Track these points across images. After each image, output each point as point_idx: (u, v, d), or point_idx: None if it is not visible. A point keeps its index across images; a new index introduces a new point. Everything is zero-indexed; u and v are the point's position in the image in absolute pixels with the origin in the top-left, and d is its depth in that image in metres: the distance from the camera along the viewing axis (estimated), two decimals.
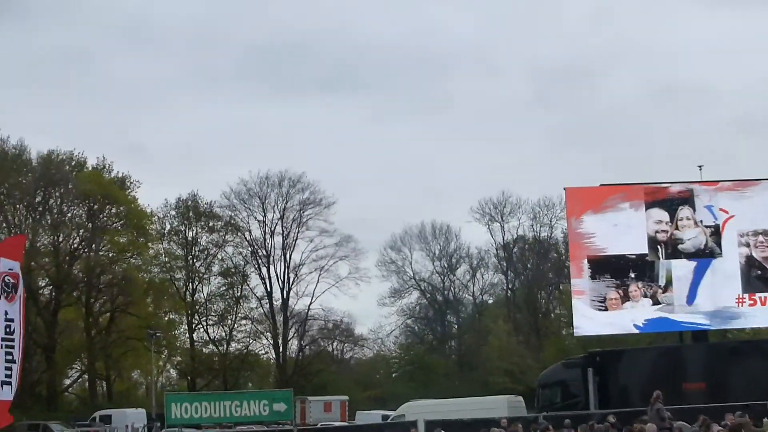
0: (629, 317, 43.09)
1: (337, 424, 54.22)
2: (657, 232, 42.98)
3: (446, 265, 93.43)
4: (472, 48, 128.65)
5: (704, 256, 42.86)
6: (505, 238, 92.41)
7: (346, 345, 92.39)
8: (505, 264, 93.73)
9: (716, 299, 42.71)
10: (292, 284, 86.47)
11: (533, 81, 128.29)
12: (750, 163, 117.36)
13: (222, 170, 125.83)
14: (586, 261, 43.15)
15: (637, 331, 46.05)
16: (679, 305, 42.66)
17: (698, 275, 42.70)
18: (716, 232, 42.91)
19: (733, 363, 41.91)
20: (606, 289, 42.73)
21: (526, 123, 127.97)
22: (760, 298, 42.85)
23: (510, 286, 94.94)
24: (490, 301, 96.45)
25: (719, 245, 42.86)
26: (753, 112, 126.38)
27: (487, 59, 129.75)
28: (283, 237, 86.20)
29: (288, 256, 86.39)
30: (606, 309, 42.73)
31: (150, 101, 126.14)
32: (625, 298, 42.71)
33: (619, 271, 42.83)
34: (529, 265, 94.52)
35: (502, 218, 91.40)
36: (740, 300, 42.76)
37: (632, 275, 42.80)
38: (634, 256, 42.90)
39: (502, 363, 78.44)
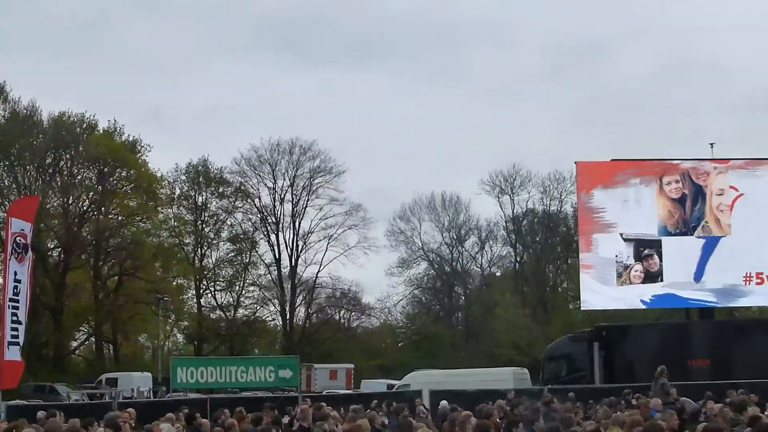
0: (636, 293, 43.10)
1: (342, 392, 54.26)
2: (667, 208, 42.94)
3: (455, 237, 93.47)
4: (489, 21, 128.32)
5: (713, 233, 42.83)
6: (515, 211, 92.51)
7: (353, 314, 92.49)
8: (513, 237, 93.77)
9: (724, 277, 42.70)
10: (301, 252, 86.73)
11: (549, 55, 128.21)
12: (762, 142, 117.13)
13: (236, 137, 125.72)
14: (594, 236, 43.14)
15: (644, 307, 46.00)
16: (687, 282, 42.69)
17: (706, 252, 42.68)
18: (726, 210, 42.86)
19: (739, 341, 41.91)
20: (614, 264, 42.74)
21: (540, 97, 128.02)
22: (767, 276, 42.85)
23: (518, 259, 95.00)
24: (498, 274, 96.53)
25: (729, 223, 42.81)
26: (766, 91, 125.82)
27: (503, 33, 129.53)
28: (292, 204, 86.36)
29: (297, 224, 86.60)
30: (613, 284, 42.74)
31: (167, 68, 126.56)
32: (633, 273, 42.73)
33: (627, 247, 42.82)
34: (537, 239, 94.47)
35: (512, 191, 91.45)
36: (748, 278, 42.76)
37: (641, 251, 42.79)
38: (643, 232, 42.86)
39: (509, 335, 78.55)
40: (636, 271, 42.75)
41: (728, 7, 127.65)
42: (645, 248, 42.85)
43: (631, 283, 42.86)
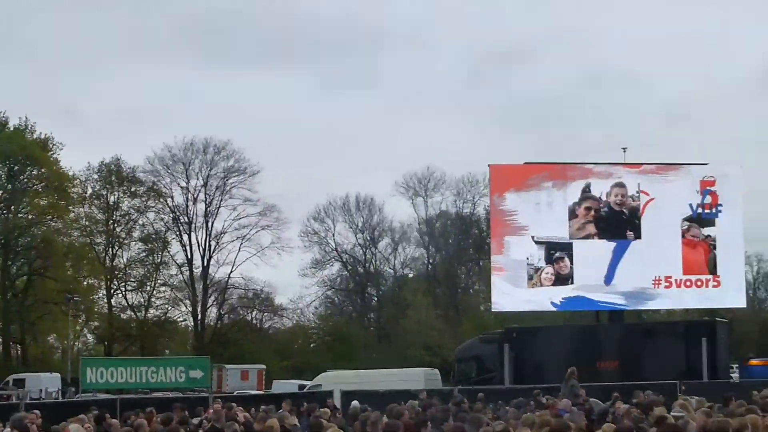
0: (547, 295, 43.47)
1: (253, 392, 54.09)
2: (578, 212, 43.40)
3: (368, 238, 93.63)
4: (407, 26, 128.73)
5: (623, 237, 43.37)
6: (428, 213, 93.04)
7: (265, 314, 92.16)
8: (426, 239, 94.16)
9: (633, 280, 43.27)
10: (213, 252, 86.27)
11: (468, 61, 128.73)
12: (673, 149, 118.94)
13: (150, 136, 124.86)
14: (506, 238, 43.44)
15: (554, 309, 46.46)
16: (597, 285, 43.17)
17: (617, 256, 43.20)
18: (636, 214, 43.44)
19: (647, 343, 42.62)
20: (525, 266, 43.08)
21: (457, 101, 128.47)
22: (675, 280, 43.52)
23: (431, 261, 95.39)
24: (411, 275, 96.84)
25: (639, 227, 43.39)
26: (678, 99, 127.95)
27: (424, 38, 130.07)
28: (205, 204, 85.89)
29: (210, 224, 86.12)
30: (524, 286, 43.08)
31: (80, 65, 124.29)
32: (544, 275, 43.12)
33: (539, 249, 43.18)
34: (450, 241, 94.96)
35: (426, 193, 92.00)
36: (657, 281, 43.38)
37: (552, 253, 43.19)
38: (554, 235, 43.26)
39: (420, 336, 78.80)
40: (547, 273, 43.13)
41: (643, 18, 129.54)
42: (556, 251, 43.25)
43: (541, 285, 43.21)
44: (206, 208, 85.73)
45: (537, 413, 18.88)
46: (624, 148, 49.35)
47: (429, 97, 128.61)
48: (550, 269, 43.08)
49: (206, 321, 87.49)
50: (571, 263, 43.15)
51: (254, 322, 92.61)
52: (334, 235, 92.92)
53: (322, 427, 16.16)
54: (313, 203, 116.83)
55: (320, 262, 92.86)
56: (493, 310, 49.07)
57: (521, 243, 43.12)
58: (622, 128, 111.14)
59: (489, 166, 45.73)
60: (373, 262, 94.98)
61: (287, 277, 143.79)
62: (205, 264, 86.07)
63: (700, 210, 43.57)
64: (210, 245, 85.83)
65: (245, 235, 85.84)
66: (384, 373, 48.41)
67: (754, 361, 53.97)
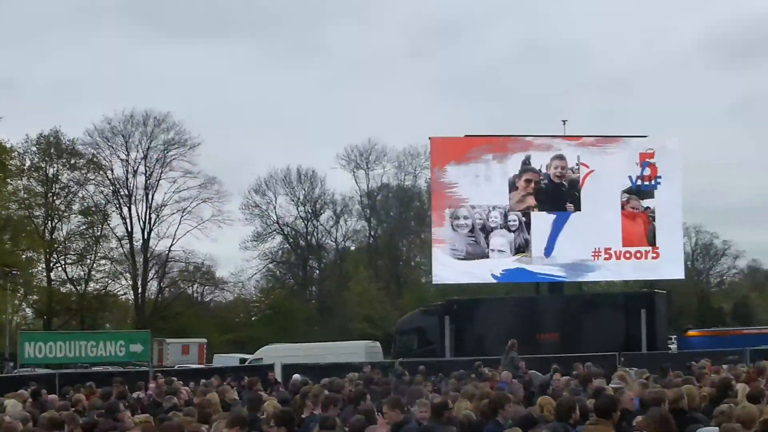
0: (487, 267, 43.63)
1: (194, 366, 53.88)
2: (518, 184, 43.55)
3: (310, 211, 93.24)
4: None
5: (563, 209, 43.60)
6: (370, 186, 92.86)
7: (206, 288, 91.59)
8: (368, 211, 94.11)
9: (573, 252, 43.54)
10: (154, 225, 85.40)
11: (410, 34, 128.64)
12: (613, 122, 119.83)
13: (89, 108, 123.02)
14: (447, 210, 43.50)
15: (494, 281, 46.76)
16: (537, 257, 43.41)
17: (556, 228, 43.44)
18: (576, 187, 43.67)
19: (587, 315, 42.98)
20: (466, 238, 43.19)
21: (398, 74, 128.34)
22: (615, 252, 43.85)
23: (372, 234, 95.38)
24: (352, 248, 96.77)
25: (578, 199, 43.63)
26: (618, 72, 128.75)
27: (363, 10, 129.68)
28: (145, 177, 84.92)
29: (150, 197, 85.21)
30: (465, 258, 43.20)
31: (18, 36, 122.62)
32: (485, 248, 43.26)
33: (479, 222, 43.29)
34: (391, 213, 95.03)
35: (367, 166, 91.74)
36: (596, 253, 43.69)
37: (492, 226, 43.32)
38: (494, 207, 43.38)
39: (362, 309, 78.84)
40: (488, 244, 43.28)
41: None
42: (495, 223, 43.36)
43: (481, 257, 43.37)
44: (146, 181, 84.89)
45: (477, 385, 18.95)
46: (564, 121, 49.53)
47: (370, 69, 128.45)
48: (497, 240, 43.21)
49: (147, 295, 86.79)
50: (512, 235, 43.34)
51: (195, 295, 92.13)
52: (275, 208, 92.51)
53: (261, 400, 16.12)
54: (254, 176, 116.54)
55: (261, 235, 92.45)
56: (434, 282, 49.14)
57: (462, 215, 43.22)
58: (563, 101, 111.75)
59: (430, 138, 45.73)
60: (315, 234, 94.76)
61: (228, 251, 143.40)
62: (146, 237, 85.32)
63: (639, 182, 43.93)
64: (150, 218, 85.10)
65: (186, 208, 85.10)
66: (325, 346, 48.51)
67: (692, 332, 54.59)
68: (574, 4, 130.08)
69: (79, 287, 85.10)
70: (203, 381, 22.94)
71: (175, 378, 23.28)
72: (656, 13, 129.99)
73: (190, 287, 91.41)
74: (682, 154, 46.19)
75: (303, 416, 14.36)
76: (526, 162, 43.71)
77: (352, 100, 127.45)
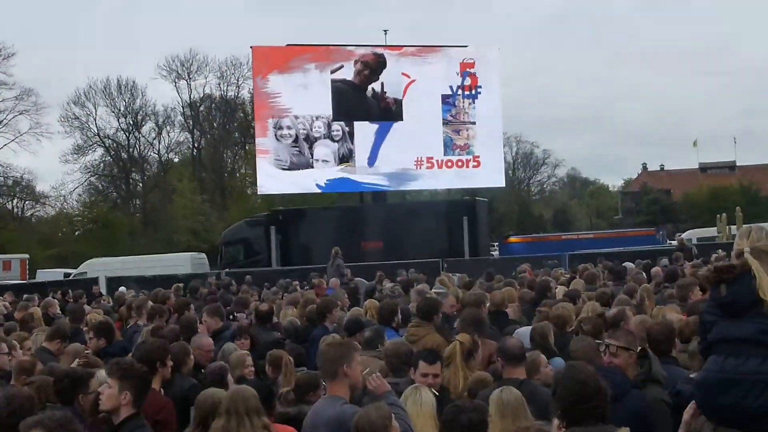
0: (312, 177, 43.74)
1: (16, 282, 52.82)
2: (341, 94, 43.65)
3: (132, 122, 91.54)
4: None
5: (385, 118, 43.90)
6: (192, 97, 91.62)
7: (26, 203, 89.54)
8: (191, 122, 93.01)
9: (396, 161, 43.94)
10: None
11: None
12: (434, 32, 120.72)
13: None
14: (270, 120, 43.38)
15: (319, 191, 46.97)
16: (361, 166, 43.70)
17: (380, 137, 43.75)
18: (398, 96, 44.01)
19: (410, 223, 43.47)
20: (290, 149, 43.19)
21: None
22: (437, 161, 44.48)
23: (196, 145, 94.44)
24: (176, 160, 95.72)
25: (401, 108, 43.98)
26: None
27: None
28: None
29: None
30: (289, 169, 43.22)
31: None
32: (309, 158, 43.35)
33: (302, 132, 43.30)
34: (215, 125, 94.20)
35: (189, 76, 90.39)
36: (419, 162, 44.23)
37: (315, 136, 43.39)
38: (318, 117, 43.42)
39: (187, 221, 78.34)
40: (312, 153, 43.38)
41: None
42: (319, 132, 43.45)
43: (306, 167, 43.48)
44: None
45: (302, 292, 19.22)
46: (385, 31, 49.61)
47: None
48: (315, 150, 43.33)
49: None
50: (336, 144, 43.55)
51: (15, 210, 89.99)
52: (95, 120, 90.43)
53: (83, 313, 16.04)
54: (72, 87, 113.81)
55: (82, 148, 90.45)
56: (259, 193, 49.05)
57: (286, 125, 43.17)
58: (383, 12, 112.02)
59: (251, 48, 45.34)
60: (137, 147, 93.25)
61: (48, 164, 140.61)
62: None
63: (460, 92, 44.51)
64: None
65: (1, 121, 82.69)
66: (150, 259, 48.18)
67: (512, 239, 55.92)
68: None
69: None
70: (25, 296, 22.55)
71: None
72: None
73: (10, 202, 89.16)
74: (502, 64, 47.00)
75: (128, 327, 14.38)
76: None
77: (171, 8, 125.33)
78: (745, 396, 6.18)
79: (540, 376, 8.46)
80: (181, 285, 24.77)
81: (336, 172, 43.67)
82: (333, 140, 43.47)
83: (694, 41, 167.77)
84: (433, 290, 16.31)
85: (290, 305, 16.31)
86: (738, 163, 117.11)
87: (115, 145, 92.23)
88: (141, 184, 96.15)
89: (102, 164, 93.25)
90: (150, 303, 15.72)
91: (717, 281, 6.46)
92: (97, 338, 12.05)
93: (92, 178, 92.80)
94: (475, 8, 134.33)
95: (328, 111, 43.30)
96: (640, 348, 7.99)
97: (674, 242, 43.88)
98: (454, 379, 8.89)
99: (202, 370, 9.83)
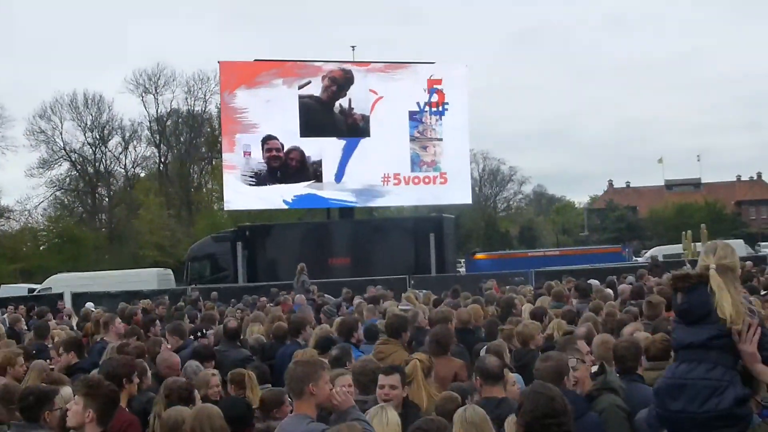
0: (279, 193, 43.71)
1: None
2: (308, 110, 43.65)
3: (98, 137, 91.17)
4: None
5: (353, 134, 43.95)
6: (159, 111, 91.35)
7: None
8: (158, 137, 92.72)
9: (363, 177, 43.99)
10: None
11: None
12: (403, 48, 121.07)
13: None
14: (238, 136, 43.31)
15: (286, 207, 46.85)
16: (328, 182, 43.70)
17: (347, 153, 43.79)
18: (365, 112, 44.07)
19: (377, 239, 43.53)
20: (258, 164, 43.13)
21: None
22: (404, 177, 44.54)
23: (162, 160, 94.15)
24: (143, 175, 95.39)
25: (368, 125, 44.04)
26: (410, 2, 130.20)
27: None
28: None
29: None
30: (256, 184, 43.16)
31: None
32: (277, 172, 43.31)
33: (270, 146, 43.23)
34: (182, 139, 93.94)
35: (156, 90, 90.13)
36: (386, 178, 44.28)
37: (283, 151, 43.35)
38: (285, 133, 43.38)
39: (153, 237, 78.09)
40: (280, 169, 43.33)
41: None
42: (286, 148, 43.42)
43: (273, 183, 43.43)
44: None
45: (269, 310, 19.19)
46: (353, 47, 49.68)
47: None
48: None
49: None
50: (304, 160, 43.54)
51: None
52: (61, 134, 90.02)
53: (48, 328, 15.96)
54: (38, 101, 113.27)
55: (48, 162, 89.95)
56: (225, 208, 48.96)
57: (253, 140, 43.11)
58: (353, 27, 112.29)
59: (219, 62, 45.37)
60: (103, 161, 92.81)
61: (13, 178, 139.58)
62: None
63: (427, 108, 44.63)
64: None
65: None
66: (116, 275, 48.03)
67: (479, 255, 56.07)
68: None
69: None
70: None
71: None
72: None
73: None
74: (469, 81, 47.16)
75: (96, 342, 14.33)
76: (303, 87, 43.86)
77: (138, 22, 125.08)
78: (692, 401, 6.24)
79: (507, 394, 8.48)
80: (147, 301, 24.66)
81: (303, 188, 43.63)
82: (301, 155, 43.43)
83: (660, 57, 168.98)
84: (399, 307, 16.34)
85: (256, 322, 16.29)
86: (703, 180, 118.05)
87: (81, 159, 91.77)
88: (107, 199, 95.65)
89: (68, 178, 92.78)
90: (117, 320, 15.66)
91: (674, 289, 6.55)
92: (67, 353, 12.02)
93: (58, 193, 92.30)
94: (443, 25, 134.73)
95: (295, 127, 43.26)
96: (599, 364, 8.13)
97: (641, 259, 44.12)
98: (417, 396, 8.89)
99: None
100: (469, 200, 49.89)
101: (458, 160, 45.87)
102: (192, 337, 13.98)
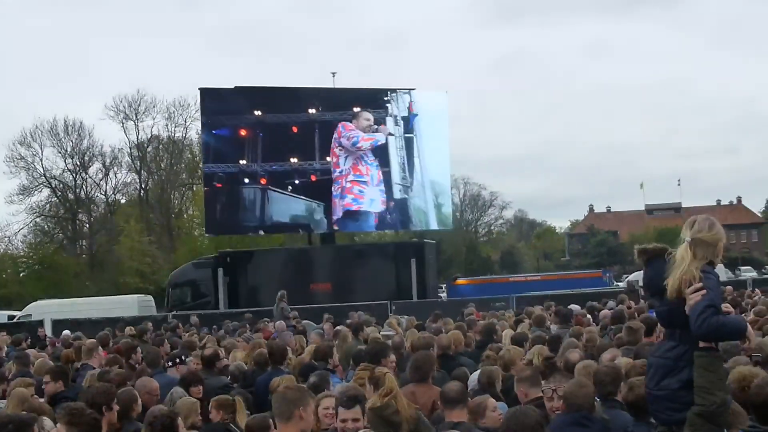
0: (258, 221, 43.78)
1: None
2: (289, 135, 43.68)
3: (78, 163, 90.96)
4: None
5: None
6: (140, 137, 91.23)
7: None
8: (138, 163, 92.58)
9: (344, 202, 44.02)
10: None
11: None
12: (383, 74, 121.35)
13: None
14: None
15: (263, 234, 46.87)
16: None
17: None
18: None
19: (359, 265, 43.58)
20: (245, 190, 43.16)
21: (169, 24, 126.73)
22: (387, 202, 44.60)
23: (143, 186, 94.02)
24: (123, 201, 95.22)
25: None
26: (390, 27, 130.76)
27: None
28: None
29: None
30: (239, 210, 43.17)
31: None
32: (259, 198, 43.33)
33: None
34: (163, 165, 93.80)
35: (136, 117, 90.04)
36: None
37: (261, 173, 43.35)
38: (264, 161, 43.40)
39: (134, 263, 77.92)
40: (261, 198, 43.35)
41: None
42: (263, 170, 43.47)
43: (256, 209, 43.42)
44: None
45: (249, 336, 19.19)
46: (333, 73, 49.87)
47: (140, 19, 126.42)
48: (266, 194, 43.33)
49: None
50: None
51: None
52: (42, 161, 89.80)
53: (28, 357, 15.91)
54: (18, 127, 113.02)
55: (28, 189, 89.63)
56: (206, 234, 48.89)
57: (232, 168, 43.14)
58: (334, 54, 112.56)
59: (199, 89, 45.40)
60: (84, 187, 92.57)
61: None
62: None
63: (407, 135, 44.64)
64: None
65: None
66: (97, 301, 47.87)
67: (461, 281, 56.17)
68: None
69: None
70: None
71: None
72: None
73: None
74: (449, 107, 47.31)
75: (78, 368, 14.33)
76: None
77: (119, 49, 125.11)
78: (651, 378, 6.26)
79: (486, 420, 8.49)
80: (130, 328, 24.58)
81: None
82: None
83: (639, 82, 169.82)
84: (381, 332, 16.35)
85: (239, 349, 16.28)
86: (683, 205, 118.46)
87: (61, 185, 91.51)
88: (87, 226, 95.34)
89: (48, 205, 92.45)
90: (100, 347, 15.65)
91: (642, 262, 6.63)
92: (54, 381, 11.98)
93: (38, 219, 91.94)
94: (423, 51, 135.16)
95: (277, 153, 43.28)
96: None
97: (621, 284, 44.24)
98: (401, 405, 8.83)
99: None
100: (450, 226, 49.96)
101: (439, 186, 45.94)
102: (171, 363, 13.92)
